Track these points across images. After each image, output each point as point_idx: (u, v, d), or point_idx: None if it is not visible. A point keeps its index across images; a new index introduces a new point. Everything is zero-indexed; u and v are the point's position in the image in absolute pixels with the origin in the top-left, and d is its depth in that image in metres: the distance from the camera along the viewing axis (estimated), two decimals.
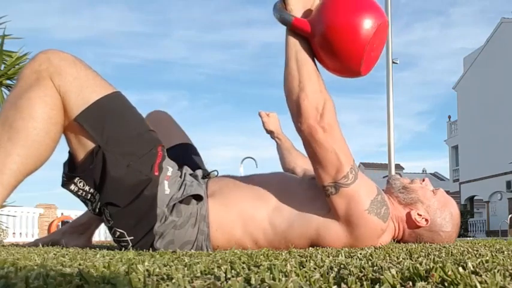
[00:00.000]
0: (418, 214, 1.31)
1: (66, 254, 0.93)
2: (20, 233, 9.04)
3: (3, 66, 3.35)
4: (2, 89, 3.33)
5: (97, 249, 1.22)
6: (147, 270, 0.59)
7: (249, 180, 1.30)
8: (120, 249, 1.15)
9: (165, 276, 0.54)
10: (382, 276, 0.50)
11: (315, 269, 0.61)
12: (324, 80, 1.17)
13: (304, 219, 1.19)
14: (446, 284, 0.48)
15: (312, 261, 0.72)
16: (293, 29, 1.16)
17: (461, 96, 21.37)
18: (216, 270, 0.61)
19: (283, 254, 0.91)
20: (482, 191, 19.92)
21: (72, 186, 1.15)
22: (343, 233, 1.17)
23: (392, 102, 4.23)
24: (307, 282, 0.49)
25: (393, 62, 4.29)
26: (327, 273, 0.55)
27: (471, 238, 6.79)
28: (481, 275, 0.50)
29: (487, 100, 19.31)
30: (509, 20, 18.67)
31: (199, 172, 1.33)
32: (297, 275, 0.53)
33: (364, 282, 0.48)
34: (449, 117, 23.00)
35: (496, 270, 0.53)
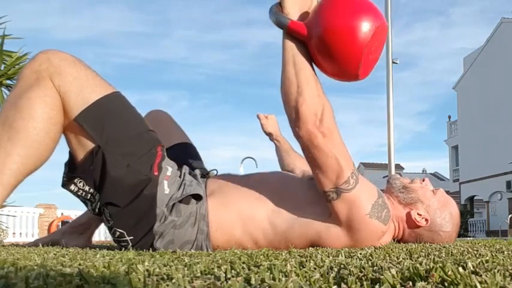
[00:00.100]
0: (418, 214, 1.31)
1: (66, 254, 0.93)
2: (20, 233, 9.04)
3: (3, 66, 3.35)
4: (2, 89, 3.33)
5: (97, 249, 1.22)
6: (147, 270, 0.59)
7: (249, 179, 1.30)
8: (120, 249, 1.15)
9: (165, 276, 0.54)
10: (382, 276, 0.50)
11: (315, 269, 0.61)
12: (321, 84, 1.15)
13: (305, 221, 1.19)
14: (446, 284, 0.48)
15: (312, 261, 0.72)
16: (289, 32, 1.14)
17: (461, 96, 21.38)
18: (216, 270, 0.61)
19: (283, 254, 0.91)
20: (482, 191, 19.92)
21: (72, 187, 1.15)
22: (343, 236, 1.17)
23: (392, 102, 4.23)
24: (307, 282, 0.49)
25: (393, 62, 4.29)
26: (327, 273, 0.55)
27: (471, 238, 6.79)
28: (481, 275, 0.50)
29: (487, 100, 19.32)
30: (509, 20, 18.67)
31: (198, 171, 1.33)
32: (297, 275, 0.53)
33: (364, 282, 0.48)
34: (449, 117, 23.01)
35: (496, 270, 0.53)
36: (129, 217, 1.14)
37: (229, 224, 1.20)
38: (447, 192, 1.41)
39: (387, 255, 0.84)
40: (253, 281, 0.49)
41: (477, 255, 0.81)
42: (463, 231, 17.88)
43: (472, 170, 20.25)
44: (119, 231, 1.15)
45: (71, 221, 1.75)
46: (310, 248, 1.12)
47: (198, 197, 1.19)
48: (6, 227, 6.41)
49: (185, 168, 1.29)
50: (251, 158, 7.10)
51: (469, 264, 0.59)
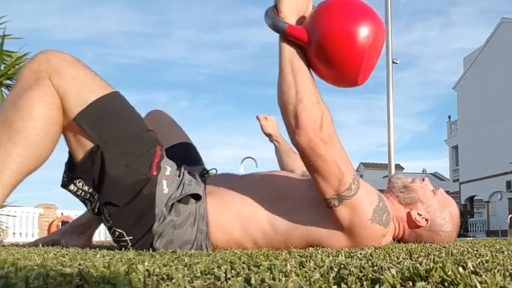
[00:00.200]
0: (418, 214, 1.31)
1: (66, 254, 0.93)
2: (20, 233, 9.04)
3: (3, 66, 3.35)
4: (2, 89, 3.33)
5: (97, 249, 1.22)
6: (147, 270, 0.59)
7: (249, 179, 1.30)
8: (120, 249, 1.15)
9: (165, 276, 0.54)
10: (382, 276, 0.50)
11: (315, 269, 0.61)
12: (319, 89, 1.12)
13: (305, 223, 1.18)
14: (446, 284, 0.47)
15: (312, 261, 0.72)
16: (287, 37, 1.10)
17: (461, 96, 21.38)
18: (216, 270, 0.61)
19: (283, 254, 0.91)
20: (482, 191, 19.92)
21: (72, 186, 1.15)
22: (344, 239, 1.17)
23: (392, 102, 4.24)
24: (307, 282, 0.49)
25: (393, 62, 4.29)
26: (327, 273, 0.55)
27: (471, 238, 6.79)
28: (481, 275, 0.50)
29: (487, 100, 19.32)
30: (509, 20, 18.67)
31: (198, 171, 1.33)
32: (297, 275, 0.53)
33: (364, 282, 0.48)
34: (449, 117, 23.01)
35: (496, 270, 0.53)
36: (128, 217, 1.14)
37: (228, 223, 1.20)
38: (447, 192, 1.41)
39: (387, 255, 0.84)
40: (253, 281, 0.49)
41: (477, 255, 0.81)
42: (463, 231, 17.88)
43: (472, 170, 20.25)
44: (118, 231, 1.15)
45: (71, 221, 1.75)
46: (310, 248, 1.12)
47: (197, 197, 1.19)
48: (6, 227, 6.41)
49: (185, 168, 1.29)
50: (251, 158, 7.11)
51: (469, 264, 0.59)
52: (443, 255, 0.82)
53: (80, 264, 0.68)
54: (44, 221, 9.71)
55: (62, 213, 10.08)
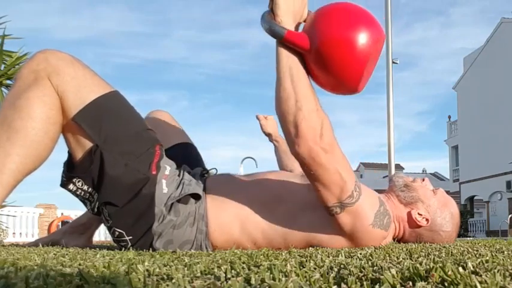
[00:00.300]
0: (418, 214, 1.31)
1: (66, 254, 0.93)
2: (20, 233, 9.04)
3: (3, 66, 3.35)
4: (2, 89, 3.33)
5: (97, 249, 1.22)
6: (147, 270, 0.59)
7: (249, 179, 1.30)
8: (120, 249, 1.15)
9: (165, 276, 0.54)
10: (382, 276, 0.50)
11: (315, 269, 0.61)
12: (318, 97, 1.09)
13: (305, 225, 1.18)
14: (446, 284, 0.47)
15: (312, 261, 0.72)
16: (285, 43, 1.07)
17: (461, 96, 21.37)
18: (216, 270, 0.61)
19: (283, 254, 0.90)
20: (482, 191, 19.91)
21: (71, 186, 1.15)
22: (345, 242, 1.17)
23: (392, 102, 4.23)
24: (307, 282, 0.49)
25: (393, 62, 4.29)
26: (327, 273, 0.55)
27: (471, 238, 6.79)
28: (481, 275, 0.50)
29: (487, 100, 19.31)
30: (509, 20, 18.66)
31: (198, 171, 1.33)
32: (297, 275, 0.53)
33: (364, 282, 0.48)
34: (449, 117, 23.01)
35: (496, 270, 0.53)
36: (128, 217, 1.14)
37: (227, 224, 1.19)
38: (447, 192, 1.41)
39: (387, 255, 0.84)
40: (253, 281, 0.49)
41: (477, 255, 0.81)
42: (463, 231, 17.88)
43: (472, 170, 20.24)
44: (118, 231, 1.15)
45: (71, 221, 1.75)
46: (310, 248, 1.12)
47: (197, 197, 1.19)
48: (6, 227, 6.41)
49: (184, 168, 1.28)
50: (251, 158, 7.09)
51: (469, 264, 0.59)
52: (443, 255, 0.82)
53: (80, 264, 0.68)
54: (44, 221, 9.70)
55: (62, 213, 10.08)
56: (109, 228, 1.17)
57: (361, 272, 0.56)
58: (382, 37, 1.08)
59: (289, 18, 1.08)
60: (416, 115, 50.78)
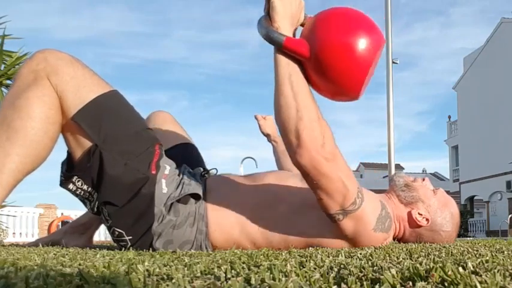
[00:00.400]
0: (418, 213, 1.31)
1: (66, 254, 0.93)
2: (20, 233, 9.04)
3: (3, 66, 3.35)
4: (2, 89, 3.33)
5: (97, 249, 1.22)
6: (147, 270, 0.59)
7: (249, 179, 1.30)
8: (120, 249, 1.15)
9: (165, 276, 0.54)
10: (382, 276, 0.50)
11: (315, 269, 0.61)
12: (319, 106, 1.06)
13: (305, 227, 1.18)
14: (446, 284, 0.47)
15: (312, 261, 0.72)
16: (284, 50, 1.03)
17: (461, 96, 21.37)
18: (216, 270, 0.61)
19: (283, 254, 0.90)
20: (482, 191, 19.92)
21: (71, 186, 1.15)
22: (346, 245, 1.17)
23: (392, 102, 4.23)
24: (307, 282, 0.49)
25: (393, 62, 4.29)
26: (327, 273, 0.55)
27: (471, 238, 6.79)
28: (481, 275, 0.50)
29: (487, 100, 19.31)
30: (509, 20, 18.66)
31: (198, 171, 1.32)
32: (297, 275, 0.53)
33: (364, 282, 0.48)
34: (449, 117, 23.01)
35: (496, 270, 0.53)
36: (128, 216, 1.14)
37: (227, 224, 1.19)
38: (447, 192, 1.41)
39: (387, 255, 0.84)
40: (253, 281, 0.49)
41: (477, 255, 0.81)
42: (463, 231, 17.88)
43: (472, 170, 20.24)
44: (117, 231, 1.15)
45: (71, 221, 1.75)
46: (310, 248, 1.12)
47: (197, 197, 1.19)
48: (6, 227, 6.41)
49: (184, 167, 1.28)
50: (251, 158, 7.08)
51: (469, 264, 0.59)
52: (443, 255, 0.82)
53: (80, 264, 0.68)
54: (44, 221, 9.70)
55: (62, 213, 10.08)
56: (109, 228, 1.17)
57: (361, 272, 0.56)
58: (382, 42, 1.06)
59: (286, 23, 1.05)
60: (416, 115, 50.86)
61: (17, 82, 1.10)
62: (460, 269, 0.53)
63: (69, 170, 1.15)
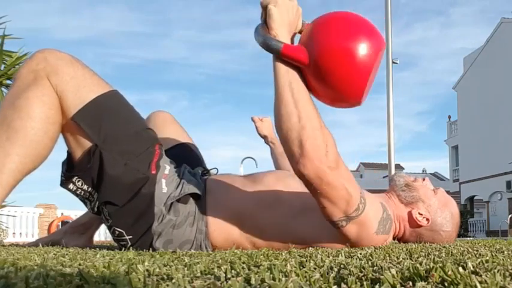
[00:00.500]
0: (419, 213, 1.31)
1: (66, 254, 0.93)
2: (20, 233, 9.04)
3: (3, 66, 3.35)
4: (2, 89, 3.33)
5: (97, 249, 1.22)
6: (147, 270, 0.59)
7: (249, 179, 1.30)
8: (120, 249, 1.15)
9: (165, 276, 0.54)
10: (382, 276, 0.50)
11: (315, 269, 0.61)
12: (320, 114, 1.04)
13: (305, 226, 1.18)
14: (446, 284, 0.47)
15: (312, 261, 0.72)
16: (283, 58, 1.01)
17: (461, 96, 21.37)
18: (216, 270, 0.61)
19: (283, 254, 0.90)
20: (482, 191, 19.92)
21: (71, 186, 1.15)
22: (346, 246, 1.17)
23: (392, 102, 4.23)
24: (307, 282, 0.49)
25: (393, 62, 4.29)
26: (327, 273, 0.55)
27: (471, 238, 6.79)
28: (481, 275, 0.50)
29: (487, 100, 19.31)
30: (509, 20, 18.66)
31: (198, 170, 1.32)
32: (297, 275, 0.53)
33: (364, 282, 0.48)
34: (449, 117, 23.01)
35: (496, 270, 0.53)
36: (128, 216, 1.14)
37: (227, 224, 1.19)
38: (447, 192, 1.41)
39: (387, 255, 0.84)
40: (253, 281, 0.49)
41: (477, 255, 0.81)
42: (463, 231, 17.88)
43: (472, 170, 20.24)
44: (118, 231, 1.15)
45: (71, 221, 1.75)
46: (310, 248, 1.12)
47: (196, 196, 1.19)
48: (6, 227, 6.41)
49: (184, 167, 1.29)
50: (251, 158, 7.09)
51: (469, 264, 0.59)
52: (443, 255, 0.82)
53: (80, 264, 0.68)
54: (44, 221, 9.71)
55: (62, 213, 10.09)
56: (109, 228, 1.18)
57: (361, 272, 0.56)
58: (383, 46, 1.04)
59: (284, 30, 1.03)
60: (416, 115, 50.88)
61: (17, 82, 1.10)
62: (460, 269, 0.53)
63: (70, 170, 1.15)
